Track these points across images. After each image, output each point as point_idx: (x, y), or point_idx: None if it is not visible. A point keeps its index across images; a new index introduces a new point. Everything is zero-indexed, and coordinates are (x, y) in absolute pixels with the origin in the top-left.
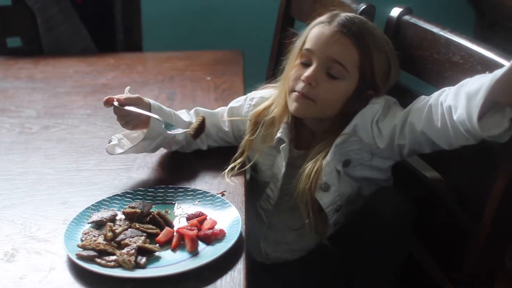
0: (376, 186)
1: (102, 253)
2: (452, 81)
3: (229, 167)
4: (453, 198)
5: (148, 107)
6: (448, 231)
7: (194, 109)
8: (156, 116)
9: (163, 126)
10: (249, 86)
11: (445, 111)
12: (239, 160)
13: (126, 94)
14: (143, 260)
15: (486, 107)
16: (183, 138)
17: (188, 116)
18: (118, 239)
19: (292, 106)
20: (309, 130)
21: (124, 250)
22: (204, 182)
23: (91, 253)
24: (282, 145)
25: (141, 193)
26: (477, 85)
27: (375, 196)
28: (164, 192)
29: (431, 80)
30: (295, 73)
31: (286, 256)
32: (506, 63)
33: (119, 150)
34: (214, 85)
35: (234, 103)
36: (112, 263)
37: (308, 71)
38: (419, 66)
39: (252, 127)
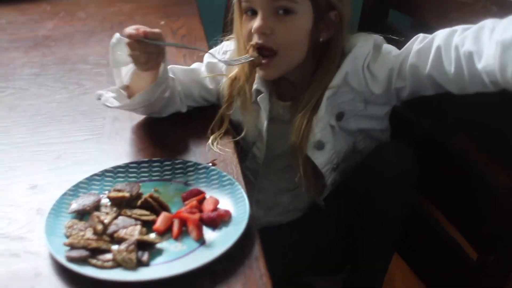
0: (372, 139)
1: (95, 251)
2: (461, 23)
3: (212, 137)
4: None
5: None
6: (464, 188)
7: (168, 67)
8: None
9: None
10: (209, 28)
11: (462, 56)
12: (219, 132)
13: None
14: (145, 256)
15: None
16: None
17: None
18: (110, 231)
19: (260, 73)
20: (286, 80)
21: (122, 246)
22: (190, 152)
23: (83, 252)
24: (260, 96)
25: (122, 170)
26: None
27: (378, 151)
28: (148, 167)
29: (432, 21)
30: (245, 28)
31: (279, 219)
32: None
33: (115, 104)
34: (171, 30)
35: (210, 57)
36: (110, 263)
37: (257, 22)
38: (415, 5)
39: (227, 100)
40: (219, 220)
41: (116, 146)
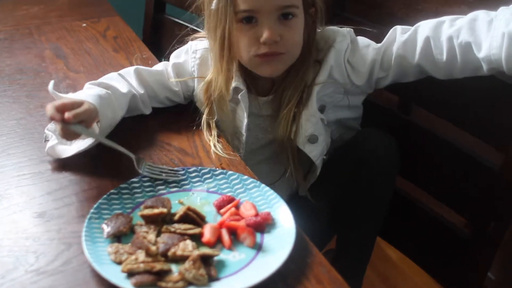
0: (345, 128)
1: (160, 273)
2: (431, 14)
3: (211, 143)
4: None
5: (95, 112)
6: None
7: (133, 68)
8: (128, 152)
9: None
10: (135, 29)
11: (457, 46)
12: (214, 137)
13: (74, 111)
14: (212, 270)
15: None
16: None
17: (124, 83)
18: (161, 250)
19: (266, 71)
20: (266, 77)
21: (187, 264)
22: (192, 157)
23: (149, 277)
24: (241, 93)
25: (136, 184)
26: None
27: (360, 137)
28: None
29: (400, 12)
30: (244, 37)
31: None
32: None
33: (68, 152)
34: (98, 33)
35: (176, 58)
36: (181, 283)
37: (266, 33)
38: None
39: (207, 106)
40: (265, 224)
41: (105, 158)
